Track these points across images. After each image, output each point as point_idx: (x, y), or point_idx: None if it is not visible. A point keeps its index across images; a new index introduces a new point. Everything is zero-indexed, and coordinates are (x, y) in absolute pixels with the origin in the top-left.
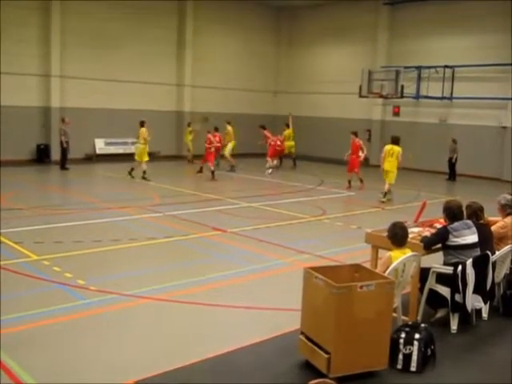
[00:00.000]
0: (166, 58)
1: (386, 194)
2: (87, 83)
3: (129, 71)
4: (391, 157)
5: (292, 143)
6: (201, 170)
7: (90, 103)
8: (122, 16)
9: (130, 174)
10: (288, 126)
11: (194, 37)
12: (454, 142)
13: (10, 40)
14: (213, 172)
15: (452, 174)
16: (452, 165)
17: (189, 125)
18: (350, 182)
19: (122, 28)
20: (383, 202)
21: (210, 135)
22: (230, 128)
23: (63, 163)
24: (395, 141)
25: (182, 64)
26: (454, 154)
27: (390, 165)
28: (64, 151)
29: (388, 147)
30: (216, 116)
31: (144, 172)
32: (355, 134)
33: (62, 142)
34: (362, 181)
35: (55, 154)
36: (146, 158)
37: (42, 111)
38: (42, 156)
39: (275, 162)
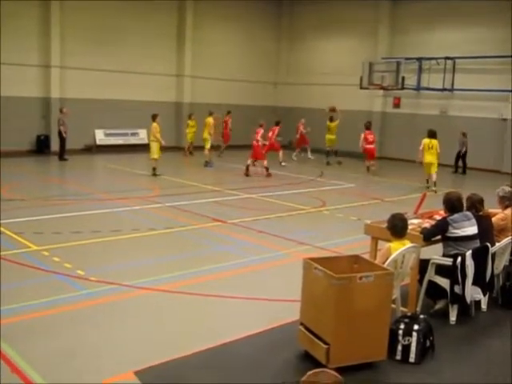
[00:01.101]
0: (165, 50)
1: (435, 183)
2: (87, 74)
3: (129, 62)
4: (431, 149)
5: (332, 137)
6: (247, 169)
7: (90, 94)
8: (121, 9)
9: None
10: (332, 119)
11: (194, 28)
12: (464, 135)
13: (9, 32)
14: (267, 168)
15: (463, 167)
16: (459, 157)
17: (190, 117)
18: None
19: (122, 20)
20: (435, 191)
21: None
22: (210, 120)
23: (62, 154)
24: (433, 134)
25: (181, 55)
26: (463, 147)
27: (432, 157)
28: (63, 141)
29: (427, 141)
30: (215, 107)
31: (153, 169)
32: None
33: (60, 132)
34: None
35: (55, 145)
36: (155, 156)
37: (42, 102)
38: (42, 147)
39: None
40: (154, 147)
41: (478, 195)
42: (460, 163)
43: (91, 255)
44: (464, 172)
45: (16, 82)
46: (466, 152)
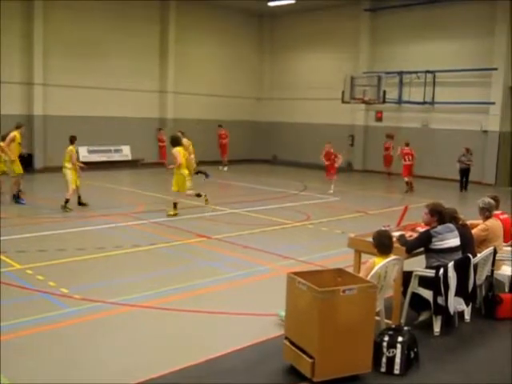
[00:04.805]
0: (148, 66)
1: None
2: (70, 91)
3: (111, 79)
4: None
5: None
6: (411, 188)
7: (73, 111)
8: (104, 25)
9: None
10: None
11: (177, 44)
12: (468, 151)
13: None
14: (410, 183)
15: (465, 184)
16: (467, 174)
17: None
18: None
19: (104, 36)
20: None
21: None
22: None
23: None
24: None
25: (164, 71)
26: (469, 163)
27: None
28: None
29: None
30: (197, 123)
31: (66, 201)
32: (406, 144)
33: None
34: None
35: (38, 163)
36: (73, 185)
37: (24, 119)
38: (24, 165)
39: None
40: (69, 175)
41: (450, 208)
42: (460, 179)
43: (75, 273)
44: (466, 188)
45: None
46: (467, 168)
